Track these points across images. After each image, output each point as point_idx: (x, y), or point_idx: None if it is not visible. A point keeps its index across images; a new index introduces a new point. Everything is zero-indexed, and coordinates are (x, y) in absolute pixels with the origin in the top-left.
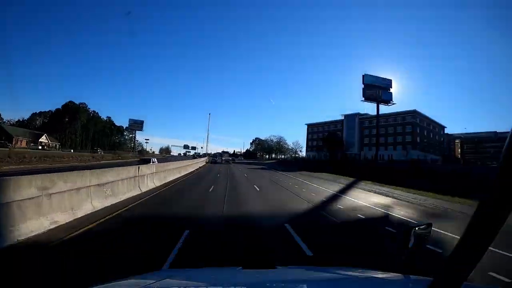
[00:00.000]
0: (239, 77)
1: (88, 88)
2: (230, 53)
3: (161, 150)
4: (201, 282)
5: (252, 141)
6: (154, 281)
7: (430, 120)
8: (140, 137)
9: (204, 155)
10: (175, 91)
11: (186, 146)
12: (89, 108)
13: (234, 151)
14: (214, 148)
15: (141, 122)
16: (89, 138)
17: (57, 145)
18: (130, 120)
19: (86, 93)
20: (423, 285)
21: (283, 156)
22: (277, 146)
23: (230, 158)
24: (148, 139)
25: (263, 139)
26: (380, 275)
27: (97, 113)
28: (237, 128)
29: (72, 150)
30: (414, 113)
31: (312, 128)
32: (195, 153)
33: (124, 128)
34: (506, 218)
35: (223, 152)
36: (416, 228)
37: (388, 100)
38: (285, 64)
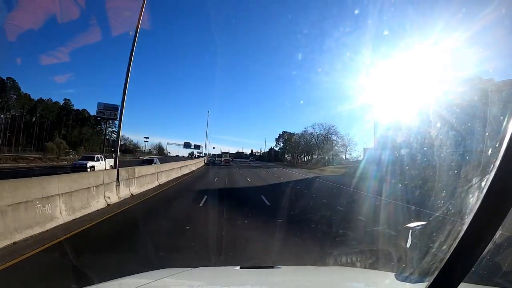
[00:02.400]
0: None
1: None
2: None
3: (132, 146)
4: (199, 282)
5: (279, 136)
6: (153, 280)
7: None
8: (134, 134)
9: (198, 156)
10: (180, 88)
11: (187, 145)
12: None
13: (252, 150)
14: (226, 149)
15: (115, 108)
16: (19, 128)
17: None
18: (99, 104)
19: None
20: (421, 284)
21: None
22: (325, 142)
23: (230, 159)
24: (147, 137)
25: (295, 133)
26: (377, 274)
27: (16, 82)
28: (257, 128)
29: None
30: None
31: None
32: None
33: (97, 117)
34: (503, 219)
35: (223, 153)
36: (414, 228)
37: None
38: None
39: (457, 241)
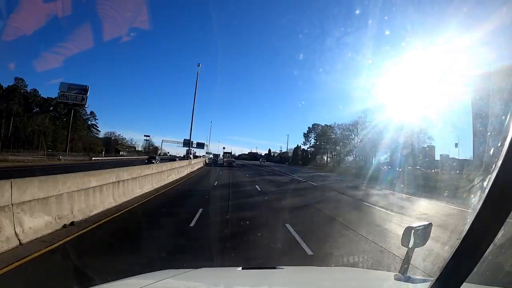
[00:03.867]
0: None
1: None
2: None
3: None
4: (201, 283)
5: (308, 131)
6: (154, 281)
7: None
8: (135, 133)
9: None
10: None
11: (188, 143)
12: None
13: (269, 150)
14: (240, 150)
15: (83, 90)
16: None
17: None
18: (62, 85)
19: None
20: (423, 285)
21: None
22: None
23: (233, 160)
24: (148, 136)
25: (335, 124)
26: (379, 274)
27: None
28: (273, 129)
29: None
30: None
31: None
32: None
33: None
34: (505, 219)
35: (225, 153)
36: (416, 228)
37: None
38: None
39: (460, 241)
